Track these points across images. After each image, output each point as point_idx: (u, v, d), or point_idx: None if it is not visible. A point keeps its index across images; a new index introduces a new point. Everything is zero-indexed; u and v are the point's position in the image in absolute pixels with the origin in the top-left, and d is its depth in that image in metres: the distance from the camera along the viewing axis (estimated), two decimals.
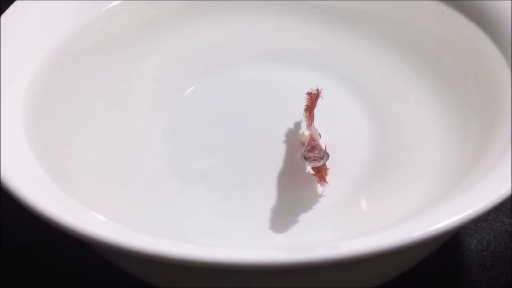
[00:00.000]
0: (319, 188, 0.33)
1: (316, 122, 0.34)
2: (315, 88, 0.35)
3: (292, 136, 0.36)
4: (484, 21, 0.36)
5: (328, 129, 0.35)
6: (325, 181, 0.32)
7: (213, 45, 0.41)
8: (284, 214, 0.32)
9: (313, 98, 0.35)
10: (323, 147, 0.31)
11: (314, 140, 0.32)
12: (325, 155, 0.31)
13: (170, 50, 0.40)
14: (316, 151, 0.31)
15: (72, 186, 0.29)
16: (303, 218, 0.32)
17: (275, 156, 0.35)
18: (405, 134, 0.36)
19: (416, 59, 0.38)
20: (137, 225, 0.27)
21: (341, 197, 0.33)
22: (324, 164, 0.32)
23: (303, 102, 0.35)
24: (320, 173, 0.32)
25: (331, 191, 0.33)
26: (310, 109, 0.35)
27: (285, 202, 0.33)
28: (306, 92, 0.35)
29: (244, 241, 0.31)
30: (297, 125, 0.37)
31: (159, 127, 0.37)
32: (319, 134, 0.34)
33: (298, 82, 0.39)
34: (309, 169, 0.33)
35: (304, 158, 0.31)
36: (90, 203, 0.28)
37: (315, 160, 0.30)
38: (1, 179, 0.26)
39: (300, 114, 0.36)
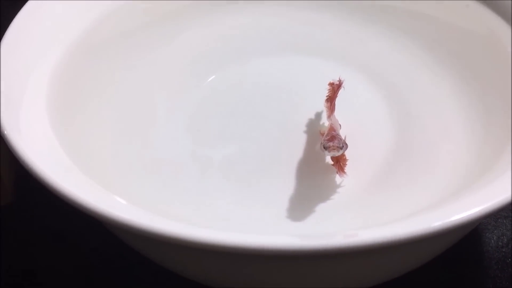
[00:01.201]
0: (338, 178, 0.33)
1: (336, 113, 0.34)
2: (337, 79, 0.35)
3: (312, 126, 0.36)
4: (509, 15, 0.35)
5: (348, 120, 0.35)
6: (343, 171, 0.32)
7: (236, 35, 0.41)
8: (302, 203, 0.32)
9: (334, 88, 0.35)
10: (343, 137, 0.31)
11: (334, 130, 0.32)
12: (344, 145, 0.31)
13: (192, 40, 0.41)
14: (336, 141, 0.30)
15: (95, 171, 0.29)
16: (321, 207, 0.32)
17: (295, 146, 0.35)
18: (426, 127, 0.36)
19: (440, 53, 0.38)
20: (156, 210, 0.28)
21: (360, 188, 0.33)
22: (343, 155, 0.32)
23: (325, 92, 0.35)
24: (339, 163, 0.32)
25: (350, 181, 0.32)
26: (331, 99, 0.35)
27: (303, 191, 0.33)
28: (328, 82, 0.35)
29: (261, 228, 0.31)
30: (318, 115, 0.37)
31: (180, 115, 0.37)
32: (340, 124, 0.34)
33: (320, 74, 0.38)
34: (328, 159, 0.33)
35: (324, 147, 0.31)
36: (111, 187, 0.28)
37: (334, 149, 0.30)
38: (28, 165, 0.26)
39: (321, 105, 0.36)
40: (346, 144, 0.31)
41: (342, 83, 0.35)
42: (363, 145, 0.34)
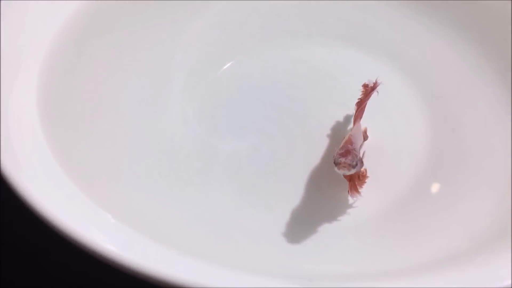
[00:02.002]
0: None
1: (366, 119, 0.30)
2: (374, 81, 0.30)
3: (338, 129, 0.32)
4: None
5: (378, 127, 0.31)
6: (357, 191, 0.27)
7: (261, 19, 0.36)
8: (305, 221, 0.28)
9: (368, 91, 0.30)
10: (360, 154, 0.27)
11: (352, 143, 0.27)
12: (358, 163, 0.27)
13: (212, 22, 0.36)
14: (350, 157, 0.26)
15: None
16: (325, 229, 0.28)
17: (313, 149, 0.31)
18: (470, 145, 0.31)
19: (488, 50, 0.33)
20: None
21: (376, 214, 0.28)
22: (362, 171, 0.28)
23: (359, 93, 0.30)
24: (353, 181, 0.28)
25: (365, 204, 0.28)
26: (360, 103, 0.30)
27: (310, 206, 0.29)
28: (362, 84, 0.30)
29: (253, 252, 0.27)
30: (347, 118, 0.32)
31: (194, 101, 0.33)
32: (365, 135, 0.30)
33: (358, 69, 0.34)
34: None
35: (334, 162, 0.26)
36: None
37: (344, 167, 0.26)
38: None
39: (352, 106, 0.31)
40: (362, 162, 0.27)
41: (376, 86, 0.30)
42: (390, 161, 0.30)
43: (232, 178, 0.30)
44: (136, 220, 0.26)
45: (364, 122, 0.30)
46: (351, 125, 0.32)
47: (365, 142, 0.31)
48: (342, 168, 0.26)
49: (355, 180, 0.28)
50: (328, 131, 0.32)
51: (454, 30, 0.35)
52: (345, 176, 0.28)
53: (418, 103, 0.33)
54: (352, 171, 0.26)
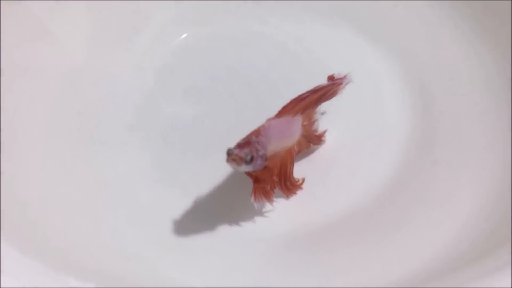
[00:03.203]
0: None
1: (345, 106, 0.27)
2: (343, 75, 0.25)
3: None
4: None
5: (355, 118, 0.27)
6: (267, 197, 0.23)
7: None
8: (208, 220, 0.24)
9: (326, 88, 0.25)
10: (262, 151, 0.21)
11: (260, 135, 0.22)
12: (257, 161, 0.21)
13: None
14: (245, 150, 0.21)
15: None
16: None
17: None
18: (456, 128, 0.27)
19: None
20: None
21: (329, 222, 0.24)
22: (296, 179, 0.24)
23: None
24: (261, 184, 0.23)
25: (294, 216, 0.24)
26: (313, 93, 0.24)
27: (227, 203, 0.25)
28: (329, 75, 0.26)
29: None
30: None
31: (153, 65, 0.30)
32: (322, 139, 0.26)
33: (336, 46, 0.30)
34: None
35: (226, 153, 0.21)
36: None
37: (234, 160, 0.21)
38: None
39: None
40: (264, 160, 0.22)
41: (342, 82, 0.25)
42: (358, 161, 0.26)
43: (157, 145, 0.27)
44: None
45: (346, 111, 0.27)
46: (323, 109, 0.27)
47: (321, 146, 0.27)
48: (230, 160, 0.21)
49: (273, 184, 0.23)
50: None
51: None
52: (248, 175, 0.23)
53: (402, 89, 0.29)
54: (244, 168, 0.21)
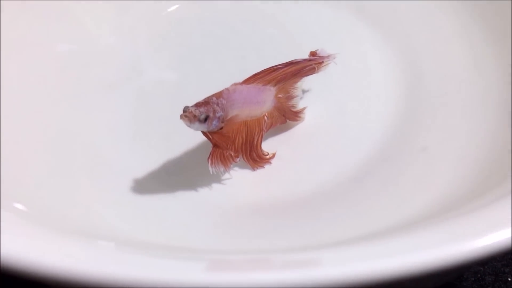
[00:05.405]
0: None
1: (332, 85, 0.26)
2: (327, 53, 0.24)
3: None
4: None
5: (340, 98, 0.27)
6: (224, 164, 0.23)
7: None
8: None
9: (304, 64, 0.24)
10: (220, 113, 0.21)
11: (222, 98, 0.22)
12: (212, 121, 0.21)
13: None
14: (201, 108, 0.21)
15: None
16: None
17: None
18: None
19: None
20: None
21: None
22: (264, 152, 0.24)
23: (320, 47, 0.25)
24: (219, 148, 0.22)
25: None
26: (288, 66, 0.24)
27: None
28: (311, 51, 0.25)
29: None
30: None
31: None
32: (300, 116, 0.25)
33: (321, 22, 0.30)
34: None
35: (183, 109, 0.21)
36: None
37: (186, 117, 0.21)
38: None
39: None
40: (220, 122, 0.21)
41: (324, 61, 0.24)
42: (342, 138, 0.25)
43: (133, 106, 0.27)
44: None
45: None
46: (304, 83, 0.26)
47: (301, 124, 0.26)
48: (183, 117, 0.21)
49: (236, 152, 0.23)
50: None
51: None
52: (207, 138, 0.22)
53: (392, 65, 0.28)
54: (197, 127, 0.21)
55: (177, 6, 0.31)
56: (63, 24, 0.29)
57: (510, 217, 0.16)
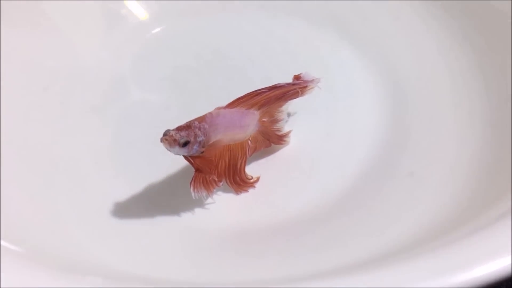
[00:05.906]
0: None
1: (317, 108, 0.26)
2: (311, 77, 0.24)
3: None
4: None
5: (325, 122, 0.26)
6: (206, 188, 0.22)
7: None
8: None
9: (288, 88, 0.24)
10: (201, 137, 0.21)
11: (204, 122, 0.21)
12: (193, 146, 0.21)
13: None
14: (182, 132, 0.21)
15: None
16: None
17: None
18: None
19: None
20: None
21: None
22: (248, 176, 0.24)
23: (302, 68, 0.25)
24: (202, 173, 0.22)
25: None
26: (271, 90, 0.23)
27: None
28: (295, 74, 0.25)
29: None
30: None
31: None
32: (285, 140, 0.25)
33: (305, 42, 0.30)
34: None
35: (164, 133, 0.21)
36: None
37: (166, 140, 0.21)
38: None
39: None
40: (200, 146, 0.21)
41: (307, 86, 0.24)
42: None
43: (117, 128, 0.27)
44: None
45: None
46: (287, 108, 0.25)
47: (286, 147, 0.26)
48: (163, 140, 0.21)
49: (219, 177, 0.23)
50: None
51: None
52: (190, 163, 0.22)
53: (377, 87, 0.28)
54: (177, 151, 0.21)
55: (161, 27, 0.31)
56: (51, 41, 0.29)
57: (496, 248, 0.16)
